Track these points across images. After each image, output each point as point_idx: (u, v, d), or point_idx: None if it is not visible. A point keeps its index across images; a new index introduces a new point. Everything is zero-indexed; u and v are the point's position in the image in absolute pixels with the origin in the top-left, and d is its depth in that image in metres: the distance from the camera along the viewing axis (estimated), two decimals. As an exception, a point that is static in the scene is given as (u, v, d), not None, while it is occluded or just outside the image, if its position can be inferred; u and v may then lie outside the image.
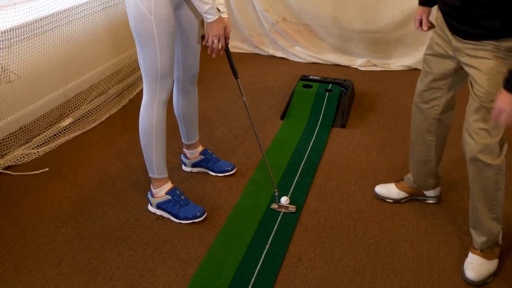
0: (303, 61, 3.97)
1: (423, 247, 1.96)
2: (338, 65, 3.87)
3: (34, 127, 2.75)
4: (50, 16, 2.70)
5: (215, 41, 1.93)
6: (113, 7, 3.23)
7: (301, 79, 3.22)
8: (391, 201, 2.22)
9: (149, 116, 1.99)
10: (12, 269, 1.88)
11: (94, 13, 3.07)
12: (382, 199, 2.24)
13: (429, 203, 2.22)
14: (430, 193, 2.20)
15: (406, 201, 2.23)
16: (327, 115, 2.93)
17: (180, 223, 2.10)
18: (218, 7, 1.91)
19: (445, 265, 1.87)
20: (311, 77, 3.24)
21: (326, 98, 2.99)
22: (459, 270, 1.85)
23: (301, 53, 3.97)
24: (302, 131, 2.86)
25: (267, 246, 1.97)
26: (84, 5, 2.95)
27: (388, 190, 2.24)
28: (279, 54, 4.08)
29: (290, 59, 4.03)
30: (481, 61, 1.63)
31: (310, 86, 3.10)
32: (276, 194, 2.23)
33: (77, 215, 2.18)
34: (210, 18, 1.87)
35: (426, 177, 2.12)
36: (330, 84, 3.12)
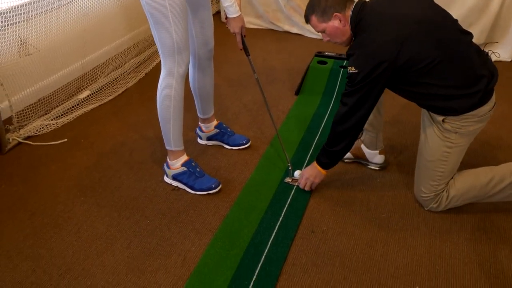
0: (318, 37, 3.94)
1: (436, 222, 1.98)
2: (354, 42, 3.84)
3: (53, 99, 2.80)
4: (67, -11, 2.72)
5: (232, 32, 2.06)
6: (130, -19, 3.23)
7: (316, 55, 3.20)
8: None
9: (167, 89, 2.00)
10: (33, 235, 1.94)
11: (111, -13, 3.08)
12: None
13: (371, 168, 2.32)
14: (372, 157, 2.30)
15: (350, 162, 2.36)
16: (341, 91, 2.89)
17: (195, 194, 2.14)
18: None
19: (457, 240, 1.89)
20: (326, 53, 3.22)
21: (340, 74, 2.98)
22: (471, 245, 1.86)
23: (317, 29, 3.94)
24: (316, 107, 2.86)
25: (281, 218, 2.01)
26: (101, -22, 2.96)
27: None
28: (294, 30, 4.06)
29: (306, 35, 4.01)
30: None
31: (325, 63, 3.09)
32: (290, 168, 2.25)
33: (95, 185, 2.23)
34: (229, 14, 1.97)
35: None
36: (345, 61, 3.11)
